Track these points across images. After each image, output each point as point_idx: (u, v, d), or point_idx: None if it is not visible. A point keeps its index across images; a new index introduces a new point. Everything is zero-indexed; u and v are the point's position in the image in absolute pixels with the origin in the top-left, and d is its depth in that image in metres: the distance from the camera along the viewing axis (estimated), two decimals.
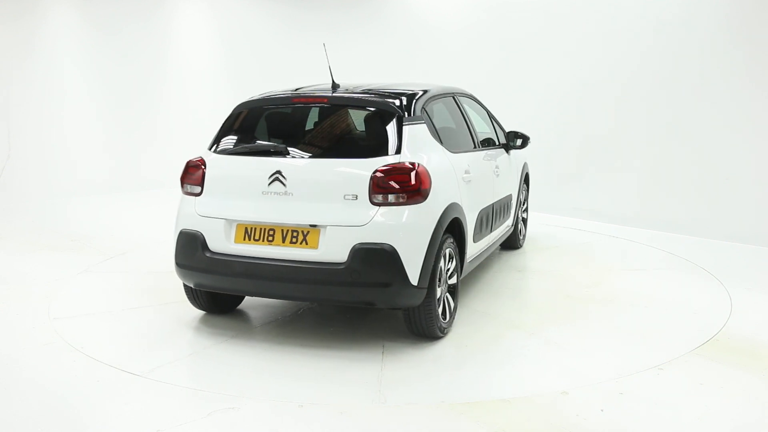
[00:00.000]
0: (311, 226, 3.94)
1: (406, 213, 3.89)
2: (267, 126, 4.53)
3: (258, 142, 4.46)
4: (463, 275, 4.71)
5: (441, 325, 4.22)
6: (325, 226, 3.90)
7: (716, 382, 3.69)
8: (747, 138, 6.93)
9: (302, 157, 4.16)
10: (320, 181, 4.00)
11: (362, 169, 3.92)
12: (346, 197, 3.89)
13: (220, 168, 4.29)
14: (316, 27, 10.81)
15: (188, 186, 4.36)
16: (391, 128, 4.11)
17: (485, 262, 6.04)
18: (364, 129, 4.36)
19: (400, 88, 4.57)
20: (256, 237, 4.06)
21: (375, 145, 4.08)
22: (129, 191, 10.10)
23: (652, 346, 4.20)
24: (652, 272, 5.89)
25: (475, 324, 4.59)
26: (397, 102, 4.25)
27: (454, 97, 5.22)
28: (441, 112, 4.90)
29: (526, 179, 6.67)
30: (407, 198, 3.89)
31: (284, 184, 4.01)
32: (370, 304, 4.00)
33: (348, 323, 4.60)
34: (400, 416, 3.31)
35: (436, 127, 4.54)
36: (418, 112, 4.30)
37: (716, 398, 3.51)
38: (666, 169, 7.58)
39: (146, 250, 6.63)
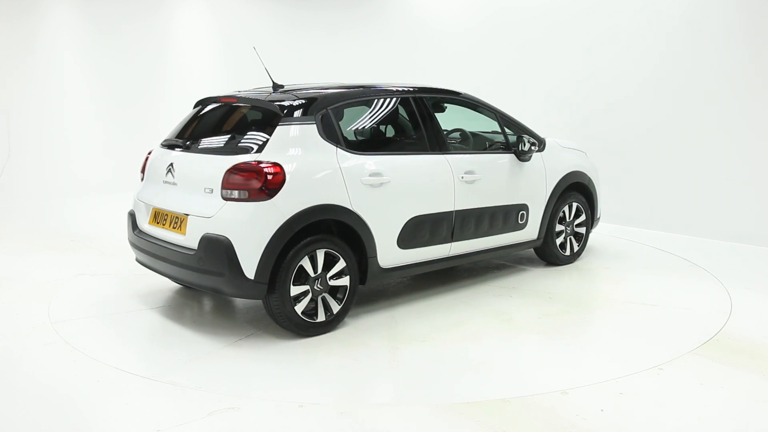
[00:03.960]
0: (185, 214, 4.32)
1: (247, 209, 4.06)
2: (194, 123, 4.87)
3: (171, 137, 4.88)
4: (373, 281, 4.63)
5: (299, 322, 4.25)
6: (189, 215, 4.28)
7: (716, 382, 3.69)
8: (747, 138, 6.93)
9: (190, 152, 4.57)
10: (193, 174, 4.40)
11: (222, 165, 4.18)
12: (206, 190, 4.22)
13: (152, 159, 4.91)
14: (316, 27, 10.82)
15: (141, 174, 5.04)
16: (264, 128, 4.34)
17: (479, 276, 5.89)
18: (247, 128, 4.58)
19: (322, 90, 4.67)
20: (158, 221, 4.59)
21: (244, 143, 4.33)
22: (129, 191, 10.06)
23: (652, 346, 4.20)
24: (652, 272, 5.89)
25: (358, 332, 4.44)
26: (284, 103, 4.40)
27: (413, 99, 5.02)
28: (366, 113, 4.91)
29: (578, 188, 6.02)
30: (250, 195, 4.06)
31: (173, 175, 4.51)
32: (217, 291, 4.26)
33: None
34: (399, 416, 3.31)
35: (342, 128, 4.58)
36: (306, 113, 4.37)
37: (716, 398, 3.51)
38: (666, 169, 7.58)
39: None
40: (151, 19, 10.96)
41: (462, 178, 5.02)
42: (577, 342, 4.31)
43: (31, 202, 9.22)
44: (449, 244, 5.05)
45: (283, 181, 4.11)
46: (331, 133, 4.44)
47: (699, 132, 7.31)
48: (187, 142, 4.65)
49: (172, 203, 4.46)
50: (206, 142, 4.59)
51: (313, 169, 4.27)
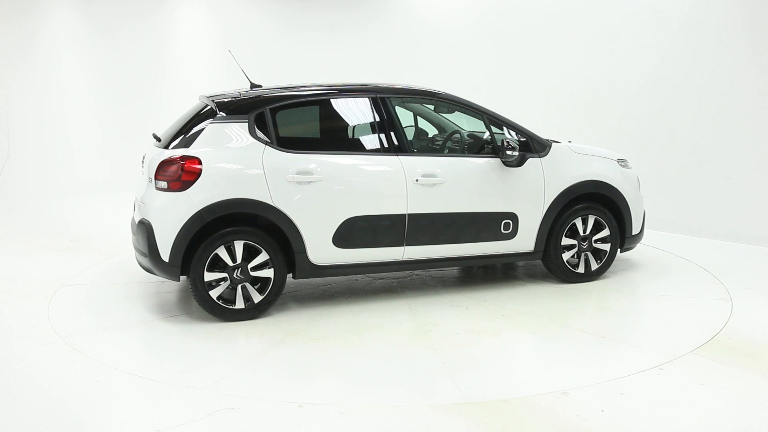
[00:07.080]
0: (138, 200, 4.85)
1: (166, 198, 4.52)
2: (176, 119, 5.21)
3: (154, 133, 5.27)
4: (304, 276, 4.75)
5: (214, 305, 4.57)
6: (139, 202, 4.81)
7: (717, 382, 3.69)
8: (748, 138, 6.93)
9: (154, 146, 4.92)
10: (147, 166, 4.80)
11: (158, 158, 4.61)
12: (150, 180, 4.67)
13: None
14: (316, 27, 10.82)
15: None
16: (198, 125, 4.71)
17: (466, 284, 5.69)
18: (192, 124, 4.84)
19: (271, 90, 4.93)
20: (135, 208, 5.01)
21: (181, 139, 4.69)
22: (129, 191, 10.07)
23: (653, 346, 4.20)
24: (653, 272, 5.88)
25: (270, 322, 4.62)
26: (223, 102, 4.75)
27: (371, 99, 4.97)
28: (312, 113, 5.04)
29: (600, 199, 5.48)
30: (170, 186, 4.50)
31: (143, 167, 4.95)
32: (150, 271, 4.72)
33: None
34: (400, 416, 3.31)
35: (280, 127, 4.75)
36: (240, 112, 4.69)
37: (717, 398, 3.51)
38: (666, 169, 7.58)
39: None
40: (151, 19, 10.95)
41: (417, 180, 4.85)
42: (657, 303, 4.52)
43: (31, 202, 9.20)
44: (402, 248, 4.91)
45: (199, 174, 4.46)
46: (264, 132, 4.69)
47: (699, 132, 7.30)
48: (157, 136, 5.04)
49: (138, 192, 4.96)
50: (164, 136, 4.92)
51: (233, 165, 4.56)
